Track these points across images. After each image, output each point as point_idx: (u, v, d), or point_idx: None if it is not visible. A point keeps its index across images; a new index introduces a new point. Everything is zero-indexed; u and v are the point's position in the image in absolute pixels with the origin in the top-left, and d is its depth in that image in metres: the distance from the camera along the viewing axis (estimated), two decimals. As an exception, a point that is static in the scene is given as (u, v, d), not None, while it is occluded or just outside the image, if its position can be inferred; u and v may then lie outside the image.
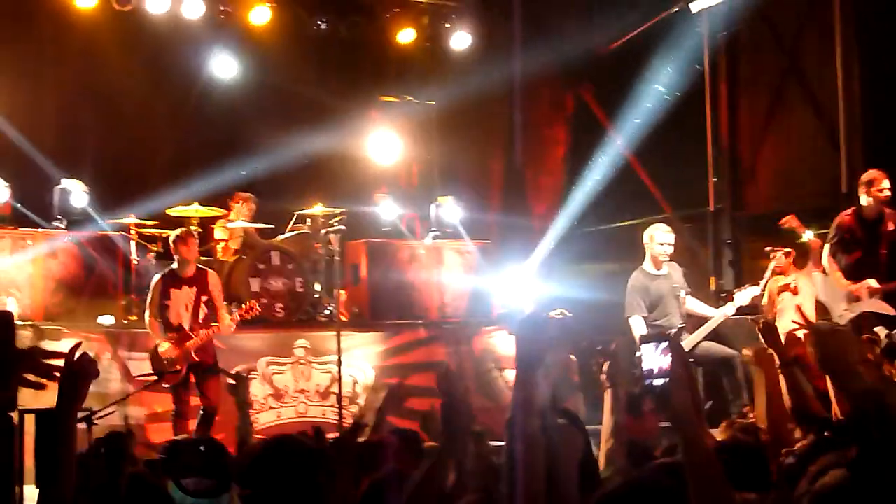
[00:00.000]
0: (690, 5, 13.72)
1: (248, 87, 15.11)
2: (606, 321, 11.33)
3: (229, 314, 11.09)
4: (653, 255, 11.03)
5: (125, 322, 12.30)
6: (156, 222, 12.96)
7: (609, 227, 16.04)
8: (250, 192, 13.76)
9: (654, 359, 3.79)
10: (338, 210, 13.65)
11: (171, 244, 11.03)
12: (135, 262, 12.77)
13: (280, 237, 13.66)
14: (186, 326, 10.85)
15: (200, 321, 10.89)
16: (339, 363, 11.94)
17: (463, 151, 16.53)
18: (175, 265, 10.99)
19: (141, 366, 11.36)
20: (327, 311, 13.26)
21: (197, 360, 10.75)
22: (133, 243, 12.78)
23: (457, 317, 13.95)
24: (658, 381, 3.76)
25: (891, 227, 10.95)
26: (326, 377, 12.66)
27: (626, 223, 15.49)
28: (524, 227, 16.19)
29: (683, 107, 15.11)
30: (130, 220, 12.77)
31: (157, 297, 10.88)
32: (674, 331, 10.70)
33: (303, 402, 12.63)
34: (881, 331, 9.35)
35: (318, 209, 13.51)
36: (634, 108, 15.16)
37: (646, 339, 3.79)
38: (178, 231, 11.15)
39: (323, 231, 13.32)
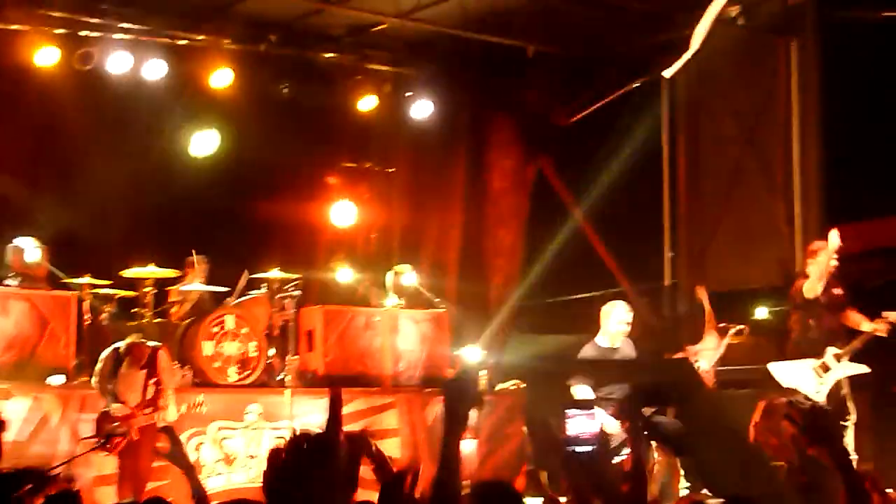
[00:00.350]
0: (664, 72, 13.79)
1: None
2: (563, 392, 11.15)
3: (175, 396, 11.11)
4: (609, 331, 11.03)
5: (76, 382, 12.16)
6: (110, 282, 12.90)
7: (566, 298, 16.16)
8: (206, 254, 13.75)
9: (579, 425, 3.80)
10: (294, 275, 13.61)
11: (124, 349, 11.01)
12: (87, 322, 12.69)
13: (235, 301, 13.55)
14: (132, 405, 10.80)
15: (148, 400, 10.85)
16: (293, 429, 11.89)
17: (422, 220, 16.59)
18: (126, 343, 10.98)
19: (91, 427, 11.18)
20: (281, 376, 13.22)
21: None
22: (87, 303, 12.69)
23: (411, 384, 13.92)
24: (582, 448, 3.74)
25: (837, 292, 11.15)
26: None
27: (584, 295, 15.63)
28: (481, 297, 16.22)
29: (642, 180, 15.30)
30: (85, 279, 12.68)
31: (106, 369, 10.87)
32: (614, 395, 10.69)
33: (253, 468, 12.47)
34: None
35: (274, 273, 13.46)
36: (594, 180, 15.31)
37: (571, 406, 3.82)
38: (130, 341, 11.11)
39: (279, 296, 13.33)
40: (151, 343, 11.24)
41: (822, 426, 3.74)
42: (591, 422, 3.75)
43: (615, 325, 11.00)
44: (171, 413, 10.91)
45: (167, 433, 10.16)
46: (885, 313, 10.91)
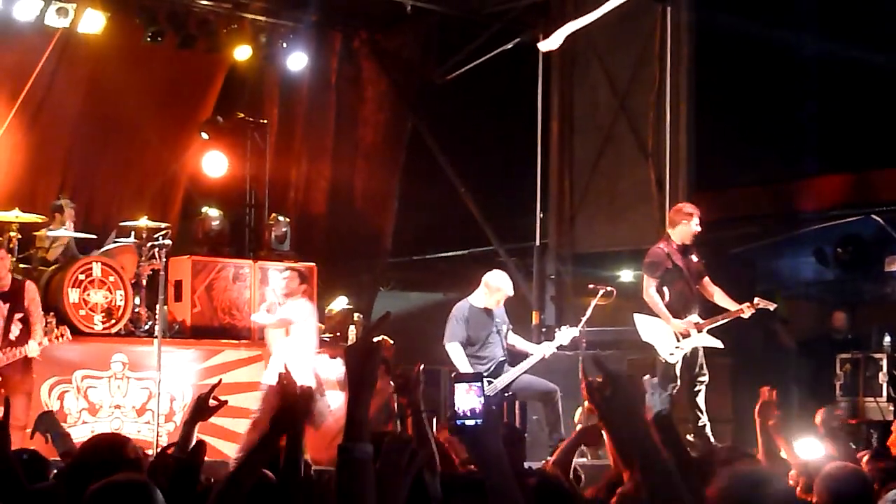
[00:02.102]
0: (539, 44, 13.99)
1: (77, 94, 14.98)
2: (427, 349, 11.51)
3: (44, 333, 10.99)
4: (487, 296, 11.21)
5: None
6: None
7: (436, 256, 16.36)
8: (74, 200, 13.68)
9: (466, 399, 3.80)
10: (163, 224, 13.64)
11: None
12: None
13: (103, 248, 13.54)
14: None
15: (12, 339, 10.76)
16: (159, 380, 12.04)
17: (294, 171, 16.69)
18: None
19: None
20: (147, 326, 13.18)
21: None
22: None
23: None
24: (468, 422, 3.77)
25: (695, 259, 11.43)
26: (144, 393, 12.68)
27: (453, 254, 16.05)
28: (352, 252, 16.36)
29: (516, 141, 15.60)
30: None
31: None
32: (495, 363, 11.10)
33: (118, 418, 12.60)
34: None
35: (143, 222, 13.38)
36: (468, 139, 15.63)
37: (458, 379, 3.85)
38: None
39: (148, 245, 13.19)
40: (17, 276, 11.18)
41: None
42: (475, 398, 3.77)
43: (495, 294, 11.19)
44: (32, 348, 10.86)
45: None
46: (756, 299, 11.19)
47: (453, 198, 16.02)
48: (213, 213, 14.64)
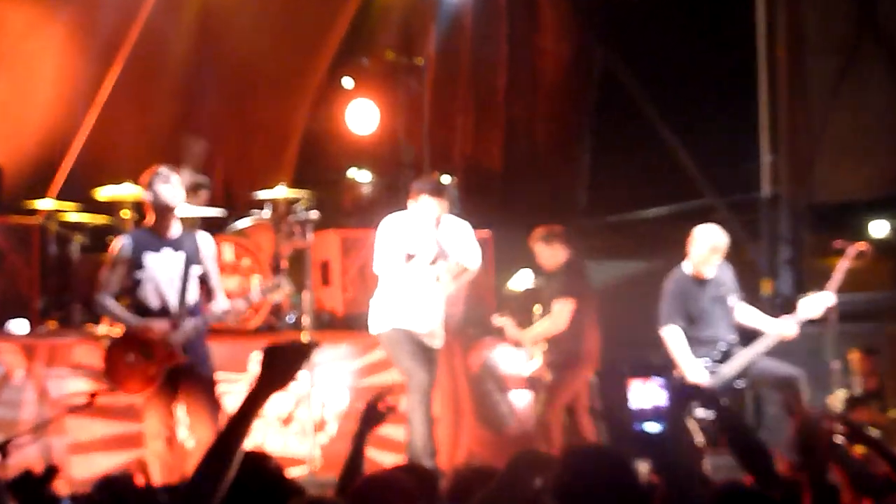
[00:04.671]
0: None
1: (200, 51, 15.25)
2: (632, 333, 11.61)
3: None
4: (696, 258, 11.08)
5: (43, 329, 12.11)
6: (79, 206, 12.84)
7: (638, 216, 16.20)
8: (199, 172, 13.67)
9: (644, 395, 3.66)
10: (305, 193, 13.51)
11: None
12: (54, 254, 12.66)
13: (234, 226, 13.53)
14: (171, 309, 10.01)
15: (190, 304, 10.11)
16: (309, 383, 11.96)
17: (459, 120, 16.57)
18: (147, 224, 10.17)
19: (63, 385, 11.24)
20: (291, 318, 13.12)
21: (181, 360, 9.93)
22: (51, 232, 12.68)
23: (450, 325, 13.11)
24: (651, 427, 3.64)
25: None
26: (290, 399, 12.56)
27: (660, 211, 15.85)
28: (535, 215, 15.51)
29: (732, 68, 15.34)
30: (48, 204, 12.70)
31: (122, 265, 9.95)
32: (721, 345, 10.87)
33: (259, 430, 12.44)
34: None
35: (280, 192, 13.36)
36: (671, 71, 15.32)
37: (635, 372, 3.70)
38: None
39: (287, 219, 13.22)
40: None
41: None
42: (658, 394, 3.59)
43: (704, 252, 11.07)
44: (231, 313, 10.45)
45: None
46: None
47: (657, 143, 15.77)
48: (362, 176, 14.71)
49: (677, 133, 15.82)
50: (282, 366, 4.14)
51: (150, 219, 9.99)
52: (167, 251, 9.89)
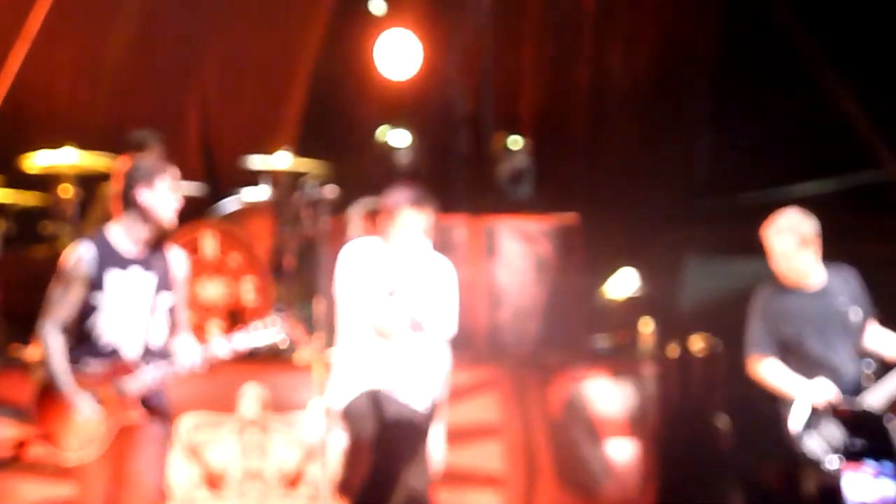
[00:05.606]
0: None
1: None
2: None
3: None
4: (784, 263, 9.89)
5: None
6: (1, 179, 12.51)
7: (780, 195, 14.64)
8: (164, 131, 13.02)
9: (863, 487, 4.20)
10: (317, 162, 13.14)
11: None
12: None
13: (217, 209, 13.04)
14: (127, 348, 8.93)
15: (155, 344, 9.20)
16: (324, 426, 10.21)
17: (532, 56, 15.76)
18: (114, 229, 9.05)
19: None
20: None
21: (135, 417, 9.01)
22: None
23: (523, 349, 12.84)
24: None
25: None
26: (297, 449, 11.62)
27: (813, 188, 14.64)
28: (639, 192, 15.19)
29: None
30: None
31: (79, 284, 8.83)
32: (837, 379, 9.71)
33: (255, 496, 11.56)
34: None
35: (282, 160, 12.87)
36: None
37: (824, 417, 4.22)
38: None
39: (294, 198, 12.61)
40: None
41: None
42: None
43: (784, 238, 9.88)
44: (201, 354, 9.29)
45: None
46: None
47: (809, 94, 14.53)
48: (399, 138, 14.34)
49: (839, 80, 14.56)
50: None
51: (123, 221, 8.90)
52: (135, 270, 8.91)
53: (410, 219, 9.63)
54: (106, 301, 8.78)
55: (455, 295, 9.94)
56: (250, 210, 12.91)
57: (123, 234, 8.85)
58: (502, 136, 14.26)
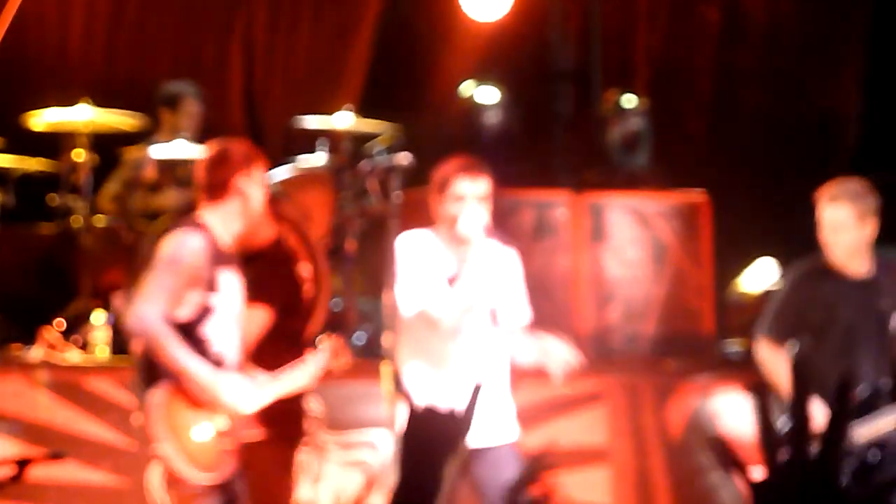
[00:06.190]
0: None
1: None
2: None
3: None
4: (832, 238, 9.72)
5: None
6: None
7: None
8: (201, 84, 12.75)
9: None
10: (386, 123, 12.45)
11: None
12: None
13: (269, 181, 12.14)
14: (231, 359, 8.96)
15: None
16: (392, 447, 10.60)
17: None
18: (211, 220, 8.92)
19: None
20: (362, 338, 11.83)
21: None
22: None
23: (636, 353, 12.26)
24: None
25: None
26: (357, 474, 11.31)
27: None
28: (778, 161, 14.57)
29: None
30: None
31: (194, 277, 8.70)
32: (863, 393, 9.71)
33: None
34: None
35: (344, 120, 12.13)
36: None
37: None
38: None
39: (357, 167, 11.99)
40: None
41: None
42: None
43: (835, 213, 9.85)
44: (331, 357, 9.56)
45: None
46: None
47: None
48: (486, 94, 13.61)
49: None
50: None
51: (218, 212, 9.00)
52: (235, 272, 9.15)
53: (464, 188, 9.20)
54: (218, 304, 8.77)
55: (521, 279, 9.59)
56: (304, 180, 12.22)
57: (222, 228, 8.79)
58: (613, 94, 13.50)
